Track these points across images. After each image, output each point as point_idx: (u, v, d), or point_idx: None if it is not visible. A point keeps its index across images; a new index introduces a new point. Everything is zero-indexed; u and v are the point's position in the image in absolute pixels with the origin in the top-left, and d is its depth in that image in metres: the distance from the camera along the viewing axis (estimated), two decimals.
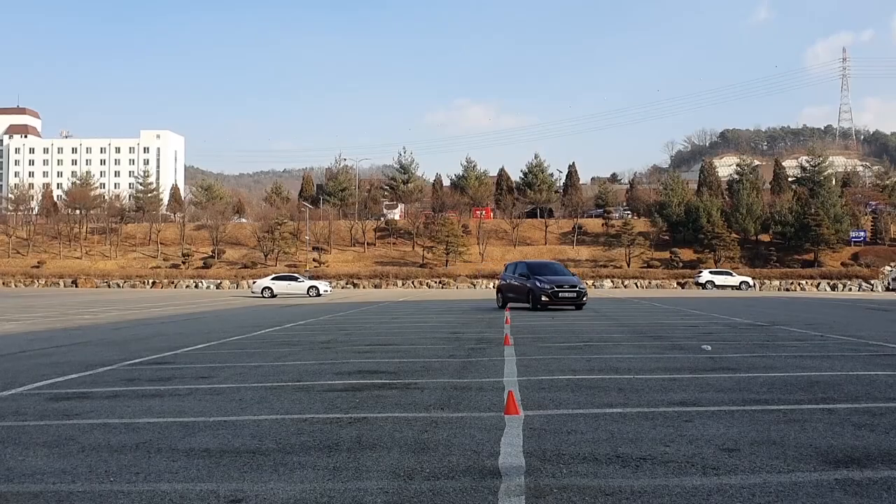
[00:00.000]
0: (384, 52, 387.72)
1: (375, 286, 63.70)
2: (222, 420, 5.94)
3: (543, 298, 22.16)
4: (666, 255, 68.95)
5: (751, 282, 58.79)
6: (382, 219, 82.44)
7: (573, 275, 25.38)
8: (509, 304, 24.52)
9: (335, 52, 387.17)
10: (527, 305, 23.22)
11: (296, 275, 47.44)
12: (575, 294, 22.67)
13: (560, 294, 22.42)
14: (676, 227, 73.33)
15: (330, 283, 51.13)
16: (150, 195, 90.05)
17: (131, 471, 4.43)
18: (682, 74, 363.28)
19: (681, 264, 66.70)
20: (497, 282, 25.94)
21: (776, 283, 61.87)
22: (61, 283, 68.20)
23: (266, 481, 4.17)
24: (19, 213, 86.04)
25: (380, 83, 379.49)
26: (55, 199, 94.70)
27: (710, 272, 59.87)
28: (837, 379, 7.83)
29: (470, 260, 70.61)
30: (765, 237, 72.82)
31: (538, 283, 22.55)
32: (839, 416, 5.83)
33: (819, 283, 61.35)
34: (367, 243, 76.70)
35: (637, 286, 61.55)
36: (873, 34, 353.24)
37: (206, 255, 74.32)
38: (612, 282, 63.07)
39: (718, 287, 56.71)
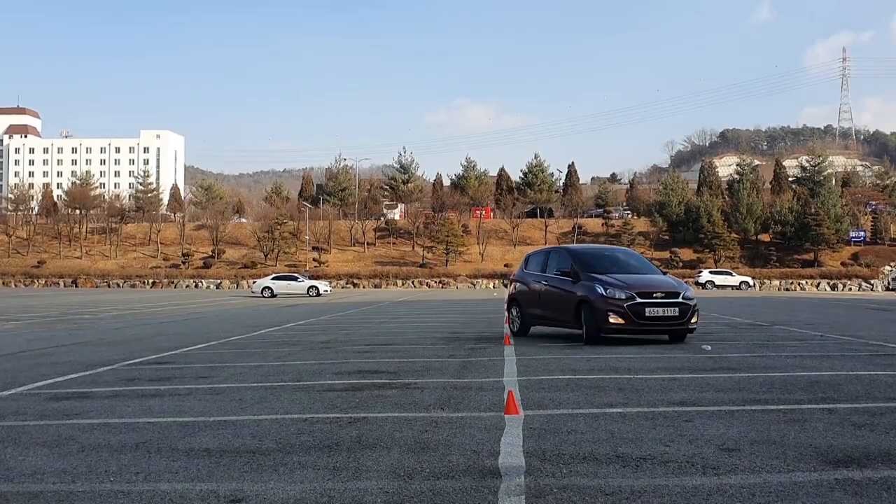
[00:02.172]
0: (384, 52, 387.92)
1: (375, 286, 63.71)
2: (222, 420, 5.94)
3: (613, 320, 11.31)
4: (666, 254, 68.96)
5: (751, 282, 58.83)
6: (382, 219, 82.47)
7: (665, 272, 13.27)
8: (535, 328, 13.99)
9: (335, 52, 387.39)
10: (575, 331, 12.35)
11: (296, 275, 47.48)
12: (677, 311, 11.51)
13: (648, 311, 11.32)
14: (676, 226, 73.39)
15: (330, 282, 51.14)
16: (150, 195, 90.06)
17: (131, 471, 4.43)
18: (682, 74, 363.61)
19: (681, 264, 66.71)
20: (510, 287, 14.92)
21: (776, 282, 61.89)
22: (61, 283, 68.21)
23: (266, 481, 4.17)
24: (19, 213, 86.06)
25: (380, 83, 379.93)
26: (55, 199, 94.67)
27: (710, 272, 59.94)
28: (837, 379, 7.82)
29: (470, 260, 70.63)
30: (765, 237, 72.86)
31: (601, 288, 11.56)
32: (839, 416, 5.82)
33: (819, 283, 61.36)
34: (367, 243, 76.69)
35: None
36: (873, 34, 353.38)
37: (206, 255, 74.33)
38: None
39: (718, 287, 56.73)
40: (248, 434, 5.38)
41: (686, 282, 65.14)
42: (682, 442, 4.96)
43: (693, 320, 11.80)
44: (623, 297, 11.39)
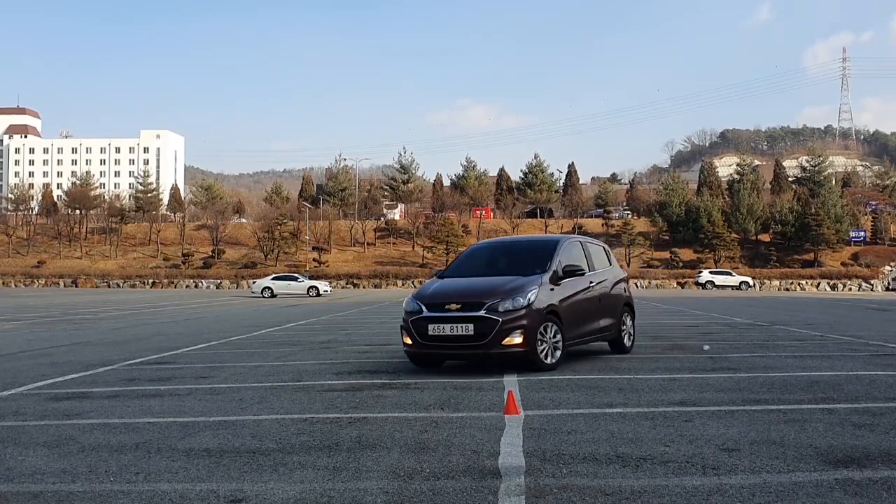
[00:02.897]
0: (384, 52, 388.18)
1: (375, 286, 63.71)
2: (222, 420, 5.94)
3: (405, 339, 8.83)
4: (666, 255, 68.98)
5: (751, 282, 58.84)
6: (382, 219, 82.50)
7: (540, 271, 8.81)
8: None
9: (335, 52, 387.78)
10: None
11: (296, 275, 47.49)
12: (471, 329, 8.13)
13: (432, 328, 8.35)
14: (676, 227, 73.41)
15: (330, 283, 51.14)
16: (150, 195, 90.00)
17: (131, 471, 4.43)
18: (682, 74, 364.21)
19: (681, 264, 66.73)
20: None
21: (776, 283, 61.91)
22: (61, 283, 68.23)
23: (266, 481, 4.17)
24: (19, 213, 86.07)
25: (380, 83, 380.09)
26: (55, 199, 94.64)
27: (710, 272, 59.95)
28: (837, 379, 7.82)
29: None
30: (765, 237, 72.90)
31: (412, 300, 8.94)
32: (839, 416, 5.82)
33: (819, 283, 61.39)
34: (367, 243, 76.69)
35: (637, 286, 61.52)
36: (873, 35, 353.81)
37: (206, 255, 74.33)
38: None
39: (718, 287, 56.73)
40: (248, 434, 5.38)
41: (685, 282, 62.53)
42: (682, 442, 4.95)
43: (507, 341, 8.09)
44: (414, 309, 8.68)
